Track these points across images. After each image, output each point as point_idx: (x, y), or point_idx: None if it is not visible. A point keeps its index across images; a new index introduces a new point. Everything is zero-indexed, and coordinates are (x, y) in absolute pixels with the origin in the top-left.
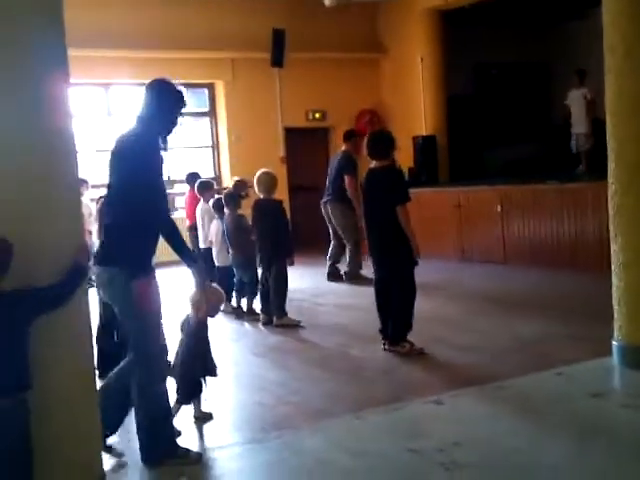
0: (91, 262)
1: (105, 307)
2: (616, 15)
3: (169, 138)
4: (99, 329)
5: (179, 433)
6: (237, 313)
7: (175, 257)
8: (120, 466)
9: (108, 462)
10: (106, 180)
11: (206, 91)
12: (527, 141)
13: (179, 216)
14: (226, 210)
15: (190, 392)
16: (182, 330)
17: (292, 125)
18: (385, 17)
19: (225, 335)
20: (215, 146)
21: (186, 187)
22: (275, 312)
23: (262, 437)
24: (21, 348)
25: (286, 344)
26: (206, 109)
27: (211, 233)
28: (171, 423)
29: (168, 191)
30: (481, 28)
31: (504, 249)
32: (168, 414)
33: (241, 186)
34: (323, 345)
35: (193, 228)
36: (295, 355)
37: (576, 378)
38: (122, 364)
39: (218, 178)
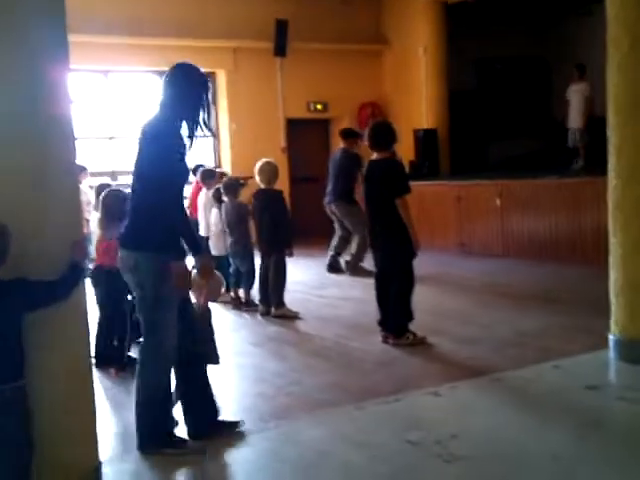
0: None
1: (102, 307)
2: (620, 8)
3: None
4: (98, 328)
5: (177, 423)
6: (235, 303)
7: None
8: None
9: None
10: (106, 167)
11: (209, 79)
12: (528, 136)
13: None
14: (225, 198)
15: None
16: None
17: (293, 116)
18: (388, 9)
19: (223, 325)
20: (216, 136)
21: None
22: (273, 303)
23: (262, 427)
24: (16, 336)
25: (285, 335)
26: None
27: (211, 222)
28: (170, 412)
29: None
30: (484, 22)
31: (503, 242)
32: (168, 400)
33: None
34: (322, 336)
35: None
36: (294, 346)
37: (573, 371)
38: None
39: (219, 167)
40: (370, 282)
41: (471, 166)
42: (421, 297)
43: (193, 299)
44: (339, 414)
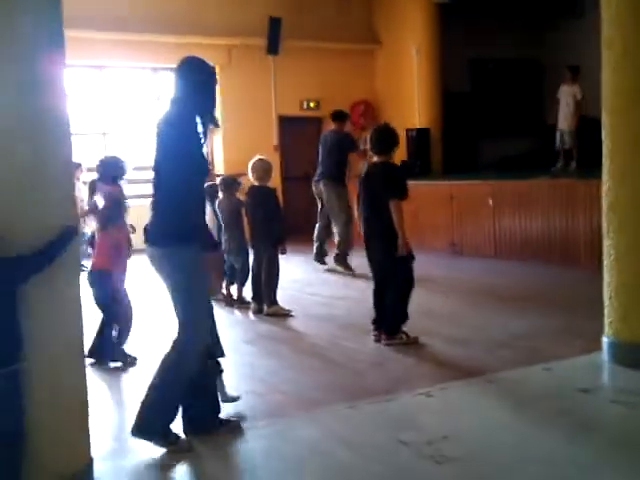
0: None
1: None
2: (615, 10)
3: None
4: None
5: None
6: (227, 301)
7: None
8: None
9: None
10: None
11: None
12: (521, 137)
13: None
14: (221, 195)
15: None
16: None
17: (286, 114)
18: (382, 8)
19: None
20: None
21: None
22: (266, 300)
23: (253, 425)
24: (12, 318)
25: (278, 333)
26: None
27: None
28: (179, 406)
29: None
30: (478, 23)
31: (495, 243)
32: (183, 395)
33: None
34: (315, 335)
35: None
36: (287, 344)
37: (565, 373)
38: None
39: (210, 164)
40: (363, 281)
41: (463, 166)
42: (412, 298)
43: None
44: (331, 413)
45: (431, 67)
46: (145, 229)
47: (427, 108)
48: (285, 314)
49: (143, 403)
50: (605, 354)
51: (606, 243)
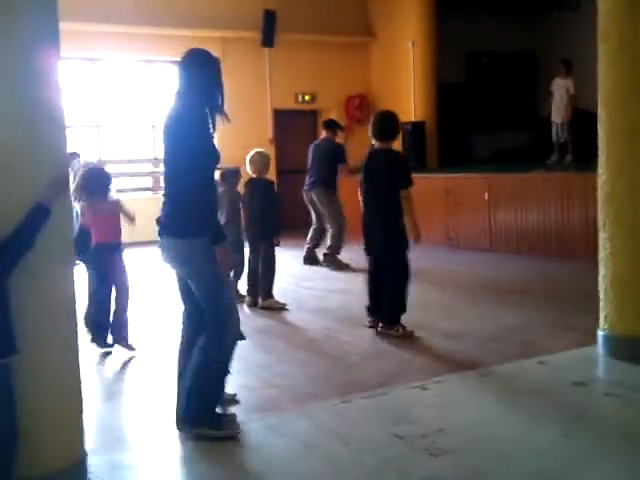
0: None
1: (103, 283)
2: (612, 3)
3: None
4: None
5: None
6: None
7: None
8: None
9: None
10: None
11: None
12: (515, 130)
13: None
14: (221, 188)
15: None
16: None
17: (281, 107)
18: (377, 0)
19: None
20: (230, 120)
21: None
22: (261, 294)
23: (246, 419)
24: (2, 311)
25: (272, 327)
26: None
27: None
28: (223, 391)
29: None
30: (473, 15)
31: (491, 236)
32: (224, 380)
33: None
34: (309, 328)
35: None
36: (281, 338)
37: (561, 366)
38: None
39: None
40: (358, 275)
41: (459, 159)
42: (409, 291)
43: None
44: (326, 407)
45: (426, 60)
46: (158, 221)
47: (422, 101)
48: (280, 308)
49: (185, 394)
50: (600, 347)
51: (602, 236)
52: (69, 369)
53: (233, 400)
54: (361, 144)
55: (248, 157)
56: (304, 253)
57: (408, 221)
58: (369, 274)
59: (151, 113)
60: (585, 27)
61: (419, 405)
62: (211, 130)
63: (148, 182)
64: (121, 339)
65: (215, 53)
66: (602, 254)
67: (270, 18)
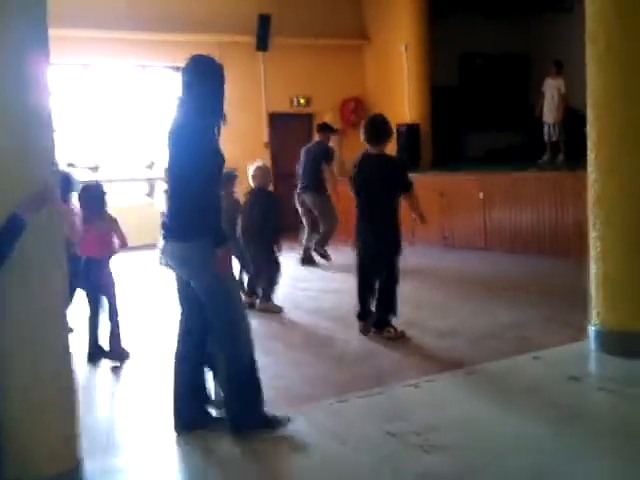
0: None
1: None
2: (599, 5)
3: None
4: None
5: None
6: None
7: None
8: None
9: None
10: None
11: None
12: (509, 130)
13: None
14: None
15: None
16: None
17: (276, 110)
18: (370, 4)
19: None
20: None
21: None
22: (261, 296)
23: None
24: None
25: (268, 328)
26: None
27: None
28: (260, 388)
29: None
30: (467, 18)
31: (485, 235)
32: (257, 377)
33: None
34: (305, 329)
35: None
36: (277, 339)
37: (553, 362)
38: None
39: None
40: (349, 275)
41: (452, 160)
42: (402, 290)
43: None
44: (321, 407)
45: (420, 63)
46: (163, 225)
47: (417, 104)
48: (276, 312)
49: (227, 403)
50: (592, 343)
51: (592, 235)
52: (63, 374)
53: None
54: (356, 147)
55: (250, 172)
56: (300, 254)
57: (415, 212)
58: (360, 279)
59: (147, 118)
60: (579, 29)
61: (413, 403)
62: (216, 136)
63: (144, 187)
64: (112, 352)
65: None
66: (593, 252)
67: (265, 22)
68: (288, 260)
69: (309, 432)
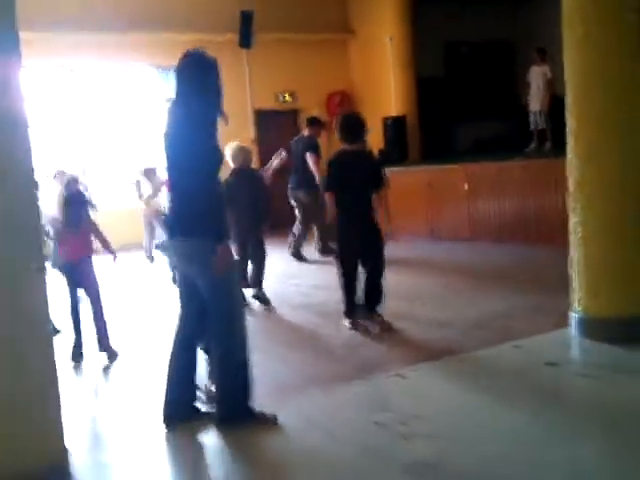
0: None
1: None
2: None
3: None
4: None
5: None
6: None
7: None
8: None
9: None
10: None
11: (173, 73)
12: (497, 119)
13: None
14: None
15: None
16: None
17: (262, 107)
18: None
19: None
20: (227, 122)
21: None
22: (254, 282)
23: None
24: None
25: (255, 322)
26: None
27: None
28: (251, 385)
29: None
30: (451, 6)
31: (471, 226)
32: (249, 375)
33: None
34: (292, 323)
35: None
36: (264, 333)
37: (535, 349)
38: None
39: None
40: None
41: (440, 152)
42: (390, 281)
43: None
44: (308, 399)
45: (405, 54)
46: (165, 223)
47: (402, 95)
48: (266, 303)
49: (218, 397)
50: (573, 329)
51: (573, 220)
52: (47, 370)
53: None
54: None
55: (230, 152)
56: (290, 249)
57: (383, 215)
58: (344, 276)
59: (133, 119)
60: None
61: (397, 393)
62: (214, 132)
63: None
64: (103, 348)
65: None
66: (573, 237)
67: (247, 19)
68: (277, 254)
69: (295, 424)
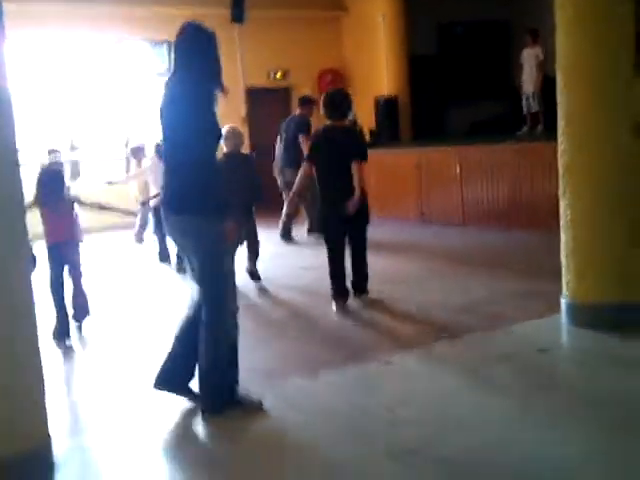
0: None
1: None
2: None
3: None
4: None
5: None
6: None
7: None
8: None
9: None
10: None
11: (165, 48)
12: (490, 101)
13: None
14: None
15: None
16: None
17: (254, 85)
18: None
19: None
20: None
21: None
22: (250, 262)
23: None
24: None
25: (243, 306)
26: (165, 66)
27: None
28: (237, 371)
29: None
30: None
31: (463, 210)
32: (234, 359)
33: None
34: (279, 305)
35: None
36: (250, 316)
37: (525, 335)
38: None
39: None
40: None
41: (432, 133)
42: (378, 264)
43: None
44: (292, 383)
45: (398, 33)
46: (162, 199)
47: (395, 75)
48: (257, 279)
49: (203, 382)
50: (563, 315)
51: (562, 203)
52: (31, 353)
53: None
54: None
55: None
56: (279, 229)
57: (358, 188)
58: (335, 258)
59: (123, 93)
60: None
61: (384, 379)
62: (213, 106)
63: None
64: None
65: None
66: (563, 221)
67: None
68: (265, 235)
69: (277, 407)
